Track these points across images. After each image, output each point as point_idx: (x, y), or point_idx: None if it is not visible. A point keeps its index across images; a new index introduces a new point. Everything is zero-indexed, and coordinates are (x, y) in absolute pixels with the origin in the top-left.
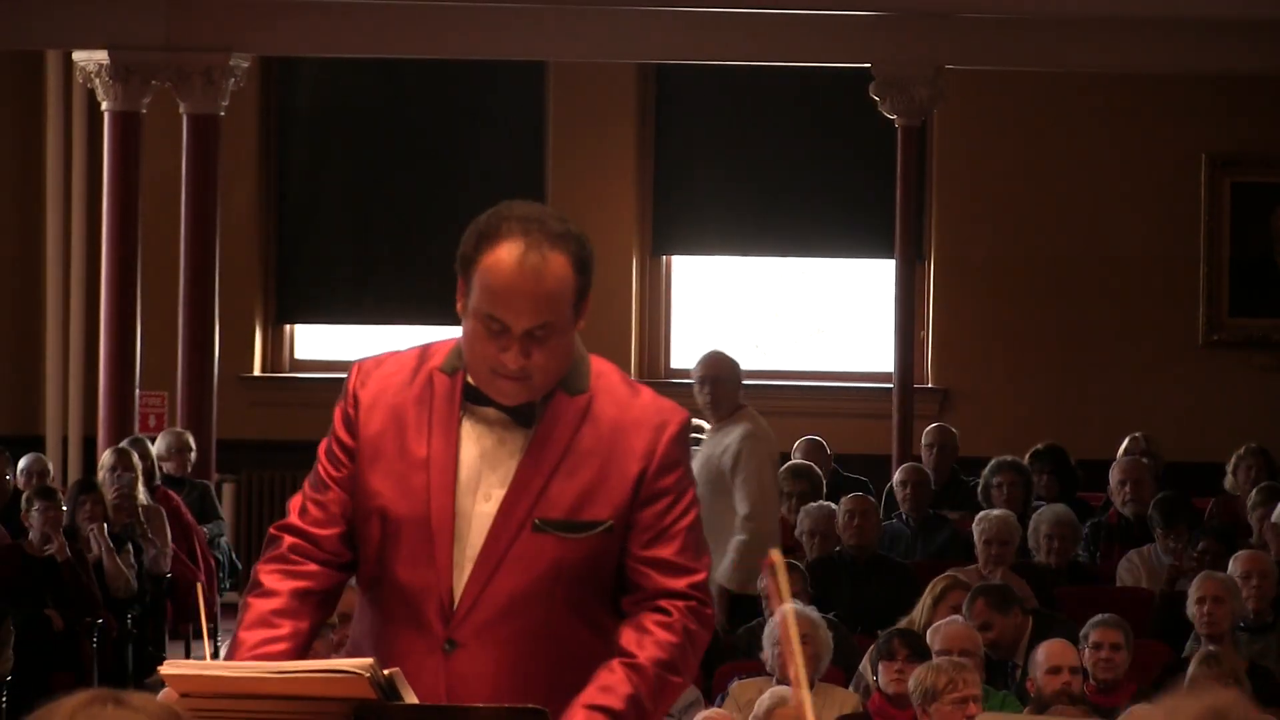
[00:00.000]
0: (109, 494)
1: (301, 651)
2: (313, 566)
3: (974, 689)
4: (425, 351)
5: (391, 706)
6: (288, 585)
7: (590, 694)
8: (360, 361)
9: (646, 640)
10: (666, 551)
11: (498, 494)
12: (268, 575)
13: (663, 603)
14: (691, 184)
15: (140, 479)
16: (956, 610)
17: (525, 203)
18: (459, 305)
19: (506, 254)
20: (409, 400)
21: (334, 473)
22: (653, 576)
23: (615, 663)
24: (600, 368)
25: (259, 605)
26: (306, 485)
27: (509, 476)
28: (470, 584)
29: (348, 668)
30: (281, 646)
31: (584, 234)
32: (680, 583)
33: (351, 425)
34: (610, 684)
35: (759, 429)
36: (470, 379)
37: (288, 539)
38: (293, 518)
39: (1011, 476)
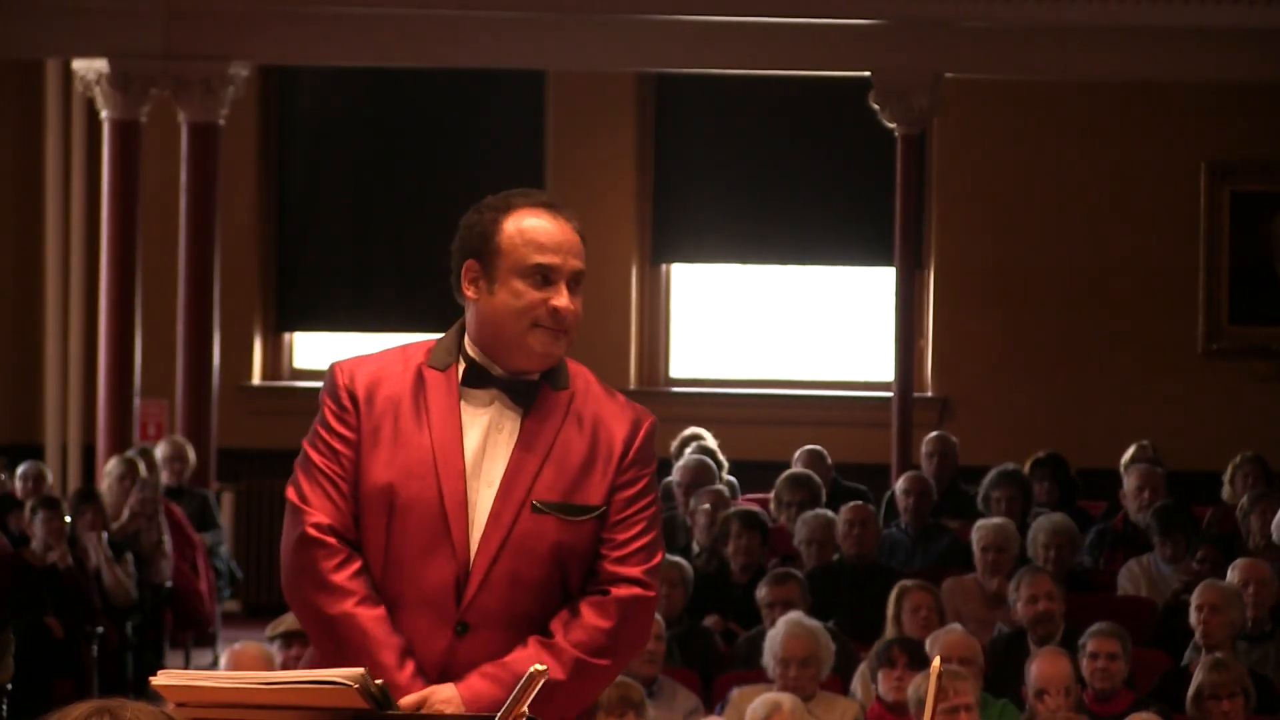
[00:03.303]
0: (130, 500)
1: None
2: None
3: (967, 697)
4: (406, 352)
5: (388, 717)
6: (367, 585)
7: (490, 664)
8: (339, 362)
9: (574, 624)
10: (625, 535)
11: (500, 477)
12: (351, 580)
13: (605, 588)
14: (691, 192)
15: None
16: (918, 611)
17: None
18: (469, 292)
19: (536, 213)
20: (403, 392)
21: (336, 467)
22: (609, 558)
23: (531, 639)
24: (576, 369)
25: (371, 610)
26: (308, 488)
27: (507, 462)
28: (477, 564)
29: (337, 678)
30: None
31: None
32: (630, 569)
33: (349, 419)
34: (514, 657)
35: None
36: (484, 361)
37: (330, 539)
38: (317, 516)
39: (1010, 491)
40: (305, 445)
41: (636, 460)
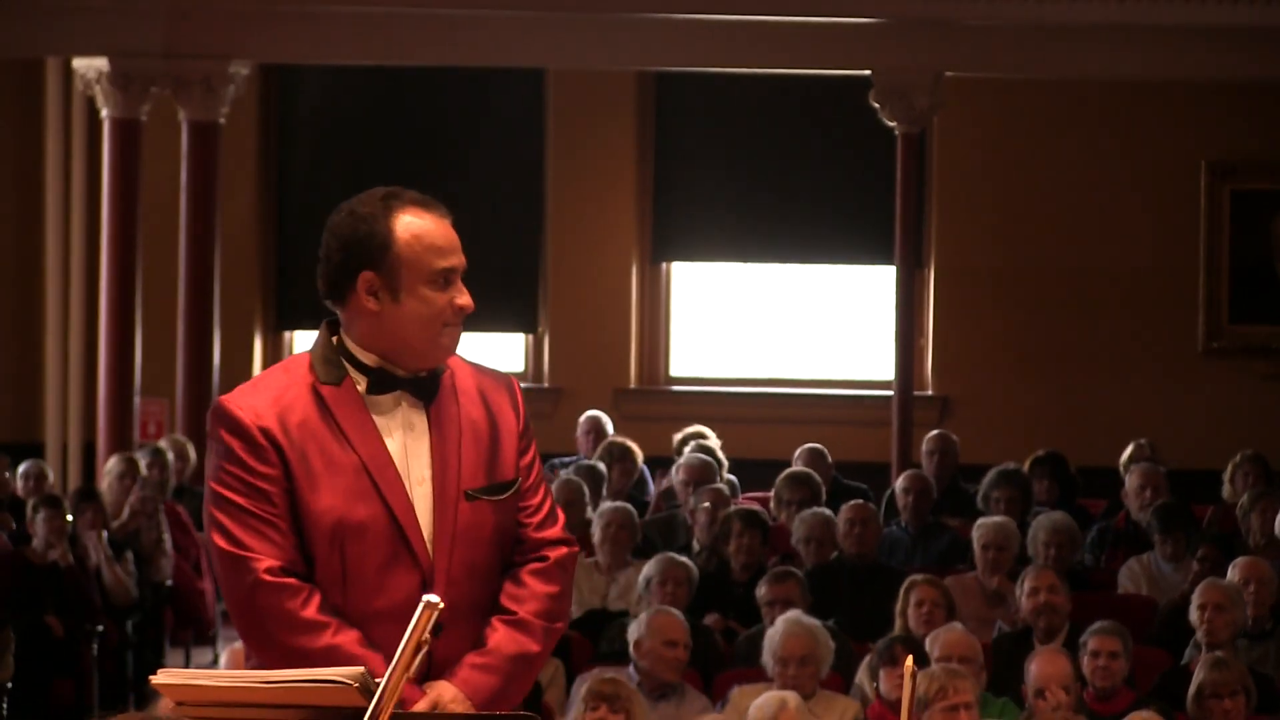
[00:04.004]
0: (130, 498)
1: None
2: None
3: (966, 696)
4: (288, 374)
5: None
6: (334, 614)
7: (474, 655)
8: (229, 399)
9: (526, 596)
10: (537, 499)
11: (429, 475)
12: (320, 613)
13: (543, 552)
14: (691, 191)
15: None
16: (921, 606)
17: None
18: (370, 304)
19: (418, 214)
20: (311, 416)
21: (268, 507)
22: (531, 525)
23: (496, 621)
24: None
25: (348, 635)
26: (243, 534)
27: (430, 457)
28: (438, 564)
29: (337, 677)
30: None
31: None
32: (554, 530)
33: (269, 456)
34: (495, 643)
35: None
36: (387, 366)
37: (288, 580)
38: (267, 561)
39: (1010, 492)
40: (217, 488)
41: (526, 425)
